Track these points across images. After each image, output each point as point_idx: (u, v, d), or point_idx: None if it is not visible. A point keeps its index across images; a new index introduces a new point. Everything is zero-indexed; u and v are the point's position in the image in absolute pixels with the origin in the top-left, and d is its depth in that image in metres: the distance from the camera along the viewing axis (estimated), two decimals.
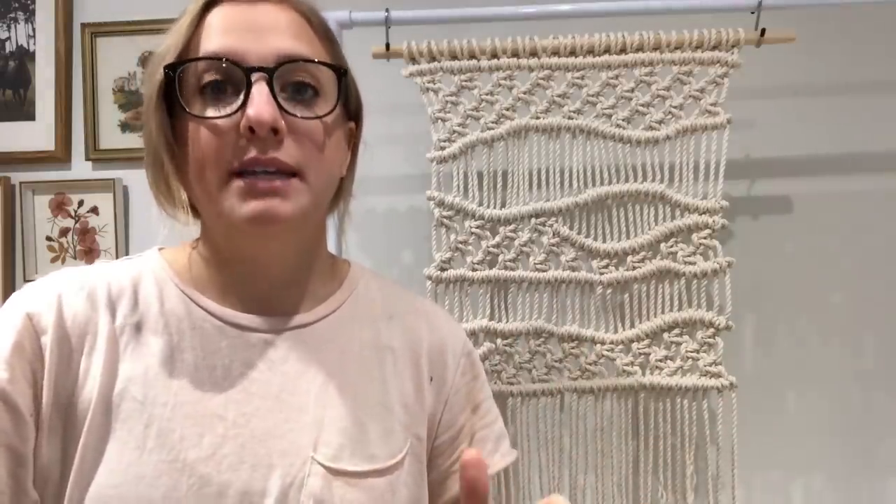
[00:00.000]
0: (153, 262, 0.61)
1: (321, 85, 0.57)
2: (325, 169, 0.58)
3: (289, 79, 0.55)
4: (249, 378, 0.57)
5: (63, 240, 1.24)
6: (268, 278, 0.60)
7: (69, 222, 1.24)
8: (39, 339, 0.53)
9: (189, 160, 0.55)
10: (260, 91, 0.53)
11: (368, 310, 0.66)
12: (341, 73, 0.58)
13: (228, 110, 0.53)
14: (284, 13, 0.57)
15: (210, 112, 0.54)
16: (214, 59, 0.54)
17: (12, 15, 1.24)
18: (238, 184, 0.53)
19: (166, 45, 0.56)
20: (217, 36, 0.55)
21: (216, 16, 0.55)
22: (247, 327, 0.59)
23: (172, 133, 0.56)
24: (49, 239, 1.25)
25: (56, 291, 0.55)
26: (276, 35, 0.55)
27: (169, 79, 0.54)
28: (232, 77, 0.54)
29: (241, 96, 0.53)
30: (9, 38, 1.25)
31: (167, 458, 0.53)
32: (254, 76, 0.53)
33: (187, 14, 0.56)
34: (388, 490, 0.58)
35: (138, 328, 0.56)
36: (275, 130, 0.53)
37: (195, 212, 0.60)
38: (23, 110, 1.24)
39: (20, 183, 1.24)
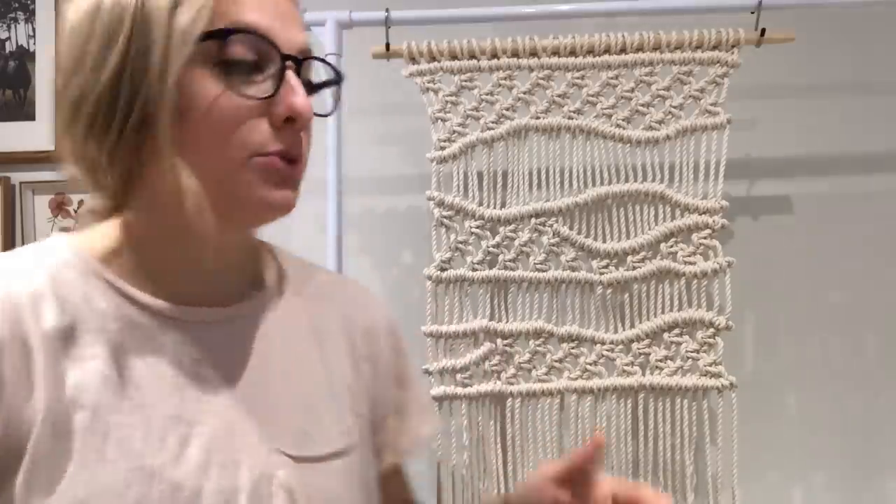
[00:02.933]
0: (67, 252, 0.54)
1: (313, 80, 0.57)
2: None
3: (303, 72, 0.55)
4: (199, 374, 0.55)
5: None
6: (203, 272, 0.57)
7: (69, 222, 1.24)
8: None
9: (201, 131, 0.51)
10: (297, 81, 0.52)
11: (301, 294, 0.64)
12: (342, 79, 0.59)
13: (263, 92, 0.51)
14: (291, 1, 0.56)
15: (241, 88, 0.51)
16: (259, 35, 0.51)
17: (12, 15, 1.24)
18: (261, 165, 0.52)
19: (197, 4, 0.50)
20: (248, 8, 0.51)
21: None
22: (187, 321, 0.55)
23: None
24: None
25: None
26: (297, 25, 0.54)
27: (208, 43, 0.50)
28: (264, 58, 0.52)
29: (270, 81, 0.51)
30: (9, 38, 1.25)
31: (133, 466, 0.50)
32: (288, 63, 0.52)
33: None
34: (348, 471, 0.59)
35: (72, 332, 0.51)
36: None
37: (128, 186, 0.54)
38: (23, 110, 1.24)
39: (20, 183, 1.24)
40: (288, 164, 0.53)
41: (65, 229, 1.23)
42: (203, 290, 0.57)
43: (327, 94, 0.62)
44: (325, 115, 0.57)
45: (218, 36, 0.50)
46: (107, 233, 0.55)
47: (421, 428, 0.70)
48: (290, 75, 0.52)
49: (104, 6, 0.51)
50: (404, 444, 0.69)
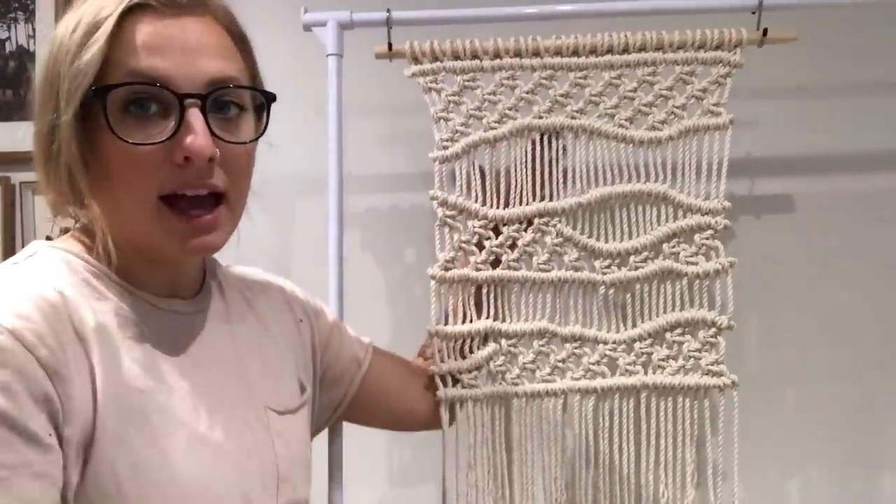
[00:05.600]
0: (67, 256, 0.58)
1: (244, 102, 0.60)
2: (247, 188, 0.63)
3: (216, 100, 0.57)
4: (197, 356, 0.63)
5: None
6: (179, 275, 0.65)
7: (69, 222, 1.23)
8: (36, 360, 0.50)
9: (108, 177, 0.55)
10: (195, 119, 0.54)
11: (229, 282, 0.74)
12: (271, 97, 0.62)
13: (160, 136, 0.54)
14: (209, 28, 0.57)
15: (137, 135, 0.54)
16: (148, 83, 0.54)
17: (12, 15, 1.23)
18: (169, 220, 0.56)
19: (84, 61, 0.53)
20: (144, 54, 0.54)
21: (140, 29, 0.54)
22: (179, 312, 0.63)
23: (90, 149, 0.55)
24: (49, 239, 1.24)
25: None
26: (206, 57, 0.56)
27: (90, 100, 0.53)
28: (161, 100, 0.55)
29: (173, 122, 0.54)
30: (9, 38, 1.24)
31: (188, 436, 0.57)
32: (187, 102, 0.54)
33: (104, 21, 0.53)
34: (306, 418, 0.74)
35: (105, 326, 0.56)
36: (210, 158, 0.55)
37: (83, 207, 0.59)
38: (23, 110, 1.24)
39: (20, 183, 1.24)
40: (190, 209, 0.56)
41: (65, 229, 1.23)
42: (179, 287, 0.65)
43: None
44: (244, 142, 0.59)
45: (101, 93, 0.53)
46: (85, 242, 0.60)
47: (358, 354, 0.87)
48: (191, 114, 0.54)
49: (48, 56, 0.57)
50: (356, 345, 0.87)
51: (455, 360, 1.00)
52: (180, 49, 0.54)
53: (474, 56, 1.01)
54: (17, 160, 1.24)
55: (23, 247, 1.22)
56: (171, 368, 0.59)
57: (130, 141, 0.53)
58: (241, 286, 0.75)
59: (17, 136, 1.24)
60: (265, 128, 0.62)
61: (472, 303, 1.02)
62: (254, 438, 0.64)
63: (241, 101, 0.60)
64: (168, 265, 0.63)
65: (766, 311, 1.17)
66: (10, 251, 1.24)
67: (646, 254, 1.02)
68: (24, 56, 1.24)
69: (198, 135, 0.54)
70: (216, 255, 0.74)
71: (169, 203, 0.56)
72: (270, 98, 0.62)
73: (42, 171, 0.58)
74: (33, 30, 1.23)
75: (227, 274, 0.75)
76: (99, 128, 0.54)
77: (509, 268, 1.02)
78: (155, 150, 0.54)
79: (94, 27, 0.53)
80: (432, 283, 1.02)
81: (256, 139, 0.61)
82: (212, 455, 0.58)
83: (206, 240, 0.58)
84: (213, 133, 0.55)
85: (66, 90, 0.54)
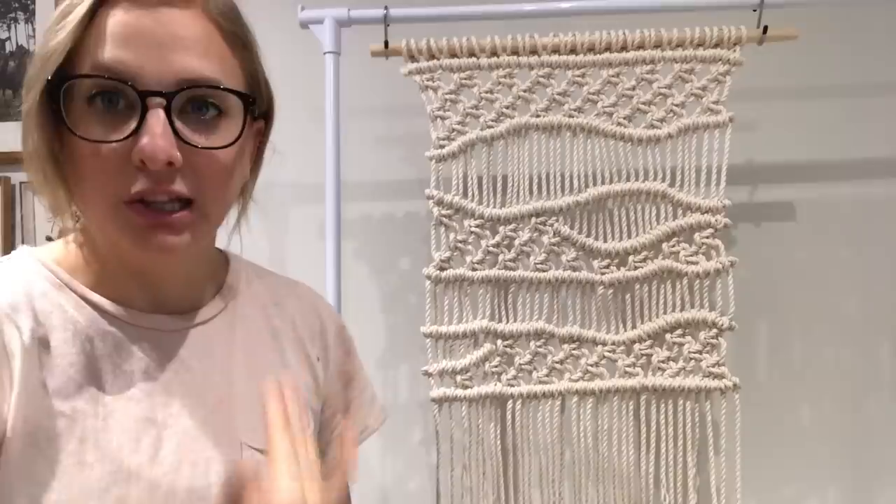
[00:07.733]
0: (35, 265, 0.55)
1: (226, 104, 0.54)
2: (225, 196, 0.56)
3: (190, 98, 0.52)
4: (167, 379, 0.57)
5: None
6: (163, 286, 0.59)
7: (69, 222, 1.23)
8: None
9: (73, 173, 0.51)
10: (155, 120, 0.49)
11: (256, 298, 0.67)
12: (248, 100, 0.55)
13: (119, 134, 0.49)
14: (192, 21, 0.52)
15: (98, 132, 0.49)
16: (106, 77, 0.49)
17: (12, 15, 1.24)
18: (130, 218, 0.51)
19: (50, 46, 0.49)
20: (111, 45, 0.49)
21: (112, 18, 0.50)
22: (155, 329, 0.57)
23: (59, 140, 0.51)
24: (49, 239, 1.24)
25: None
26: (180, 52, 0.50)
27: (52, 89, 0.49)
28: (125, 94, 0.50)
29: (134, 120, 0.49)
30: (9, 38, 1.25)
31: (112, 469, 0.51)
32: (150, 101, 0.49)
33: (76, 6, 0.49)
34: None
35: (47, 342, 0.52)
36: (169, 163, 0.50)
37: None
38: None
39: (20, 183, 1.24)
40: (150, 210, 0.51)
41: (65, 231, 1.23)
42: (166, 300, 0.59)
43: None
44: (218, 148, 0.52)
45: (58, 82, 0.49)
46: (71, 247, 0.57)
47: (366, 421, 0.75)
48: (152, 114, 0.49)
49: None
50: (349, 438, 0.71)
51: (449, 360, 0.99)
52: (151, 43, 0.49)
53: (471, 54, 1.01)
54: (17, 160, 1.23)
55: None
56: (121, 391, 0.54)
57: (83, 136, 0.49)
58: (269, 301, 0.68)
59: (18, 136, 1.24)
60: (241, 133, 0.54)
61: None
62: (210, 479, 0.56)
63: (221, 103, 0.53)
64: (147, 275, 0.57)
65: (767, 320, 1.15)
66: (9, 251, 1.24)
67: (645, 253, 1.00)
68: (24, 56, 1.24)
69: (154, 136, 0.48)
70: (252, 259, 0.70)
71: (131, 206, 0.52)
72: (248, 101, 0.55)
73: (35, 178, 0.54)
74: (33, 30, 1.24)
75: (260, 285, 0.68)
76: (59, 125, 0.50)
77: (506, 267, 1.01)
78: (115, 148, 0.49)
79: (67, 12, 0.50)
80: (427, 283, 1.01)
81: (228, 146, 0.53)
82: (140, 493, 0.52)
83: (167, 240, 0.52)
84: (178, 136, 0.50)
85: (31, 76, 0.51)
